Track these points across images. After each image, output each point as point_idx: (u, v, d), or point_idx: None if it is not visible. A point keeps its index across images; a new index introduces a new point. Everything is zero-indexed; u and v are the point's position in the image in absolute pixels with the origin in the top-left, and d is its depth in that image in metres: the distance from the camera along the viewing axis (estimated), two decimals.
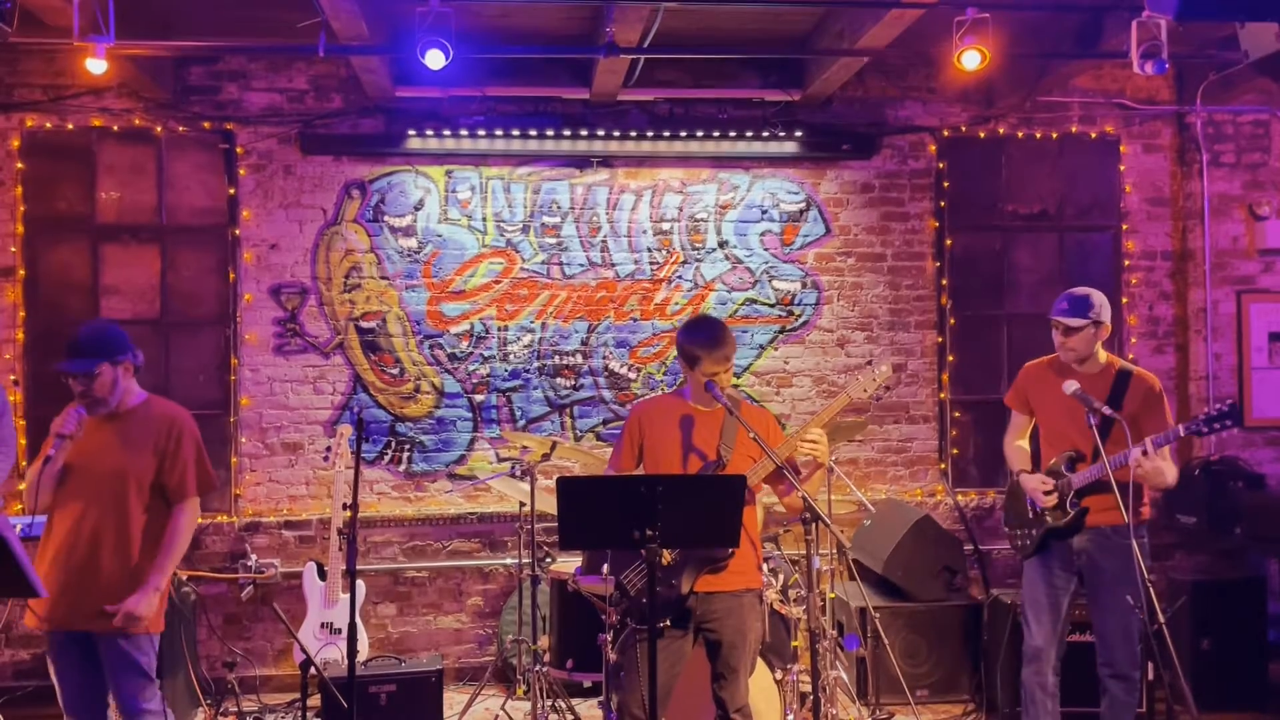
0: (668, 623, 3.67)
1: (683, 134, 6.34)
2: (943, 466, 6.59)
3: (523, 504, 5.21)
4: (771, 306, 6.49)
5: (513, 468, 5.44)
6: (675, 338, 3.97)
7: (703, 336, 3.83)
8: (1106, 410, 3.93)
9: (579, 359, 6.37)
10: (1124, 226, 6.71)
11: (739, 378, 6.41)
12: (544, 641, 5.25)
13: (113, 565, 3.68)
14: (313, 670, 4.17)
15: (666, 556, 3.67)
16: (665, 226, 6.43)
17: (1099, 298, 4.22)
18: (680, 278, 6.43)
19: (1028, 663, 4.35)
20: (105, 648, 3.69)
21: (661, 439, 3.85)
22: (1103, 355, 4.27)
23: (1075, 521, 4.19)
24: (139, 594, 3.65)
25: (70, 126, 6.10)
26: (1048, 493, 4.21)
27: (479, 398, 6.31)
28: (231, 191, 6.19)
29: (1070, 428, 4.23)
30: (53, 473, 3.67)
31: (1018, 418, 4.52)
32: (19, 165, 6.06)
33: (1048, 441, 4.38)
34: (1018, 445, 4.50)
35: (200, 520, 5.95)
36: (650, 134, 6.34)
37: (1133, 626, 4.19)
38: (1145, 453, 3.92)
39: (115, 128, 6.13)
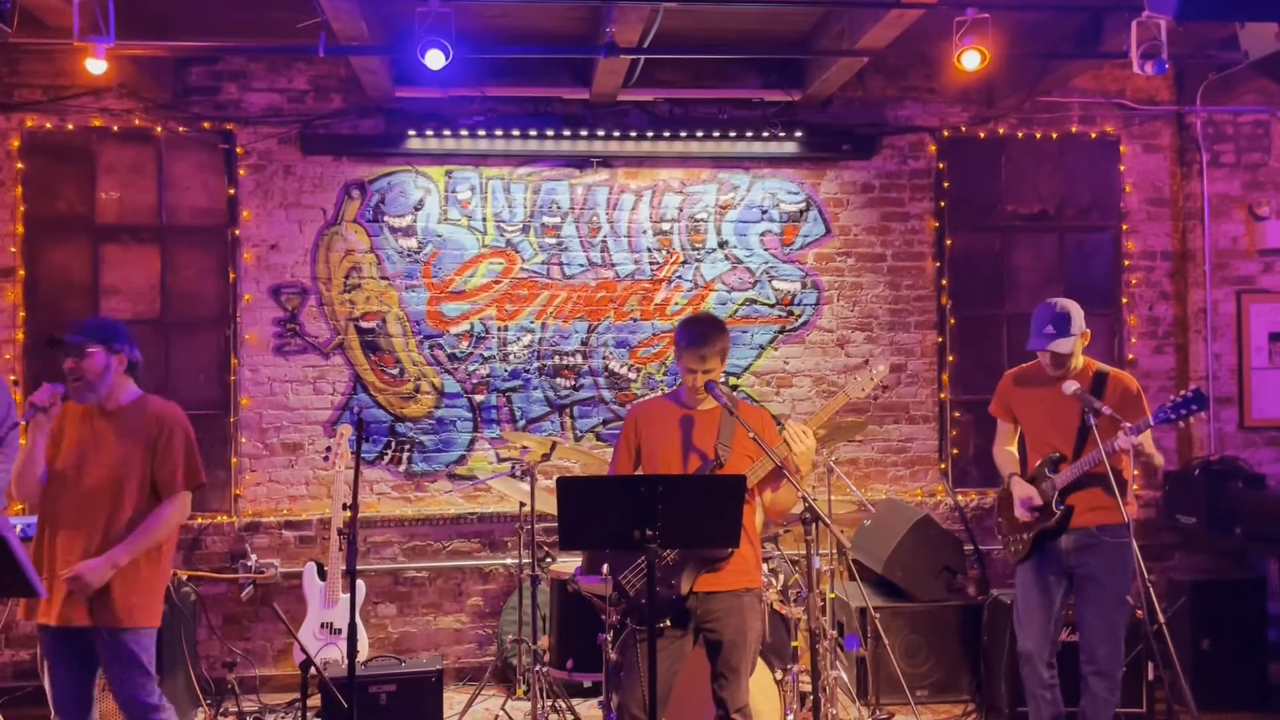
0: (668, 623, 3.67)
1: (683, 134, 6.34)
2: (943, 466, 6.59)
3: (523, 504, 5.21)
4: (771, 306, 6.49)
5: (513, 468, 5.44)
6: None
7: (686, 333, 3.84)
8: (1106, 410, 4.00)
9: (579, 359, 6.37)
10: (1124, 227, 6.72)
11: (739, 378, 6.41)
12: (544, 641, 5.25)
13: None
14: (313, 670, 4.17)
15: (667, 556, 3.67)
16: (665, 227, 6.43)
17: (1075, 309, 4.27)
18: (680, 278, 6.43)
19: (1022, 664, 4.44)
20: (103, 643, 3.68)
21: (659, 440, 3.85)
22: (1080, 359, 4.34)
23: (1062, 521, 4.26)
24: (94, 561, 3.60)
25: (70, 127, 6.10)
26: (1032, 508, 4.29)
27: (479, 398, 6.31)
28: (231, 192, 6.19)
29: (1051, 431, 4.35)
30: (33, 457, 3.63)
31: (1003, 425, 4.62)
32: (19, 165, 6.06)
33: (1031, 446, 4.48)
34: (1007, 451, 4.60)
35: (200, 520, 6.03)
36: (650, 134, 6.35)
37: (1118, 625, 4.29)
38: (1128, 438, 3.98)
39: (115, 128, 6.13)
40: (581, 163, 6.37)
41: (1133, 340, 6.69)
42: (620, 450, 3.93)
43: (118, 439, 3.73)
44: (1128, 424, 4.01)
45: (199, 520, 6.03)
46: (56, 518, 3.70)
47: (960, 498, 6.47)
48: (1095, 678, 4.30)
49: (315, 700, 4.85)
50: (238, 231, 6.19)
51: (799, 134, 6.43)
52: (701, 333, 3.80)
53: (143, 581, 3.72)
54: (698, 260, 6.44)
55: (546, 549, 5.50)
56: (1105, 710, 4.31)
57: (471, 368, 6.31)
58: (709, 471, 3.74)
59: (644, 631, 3.50)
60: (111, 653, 3.68)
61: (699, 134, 6.35)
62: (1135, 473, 4.24)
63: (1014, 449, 4.59)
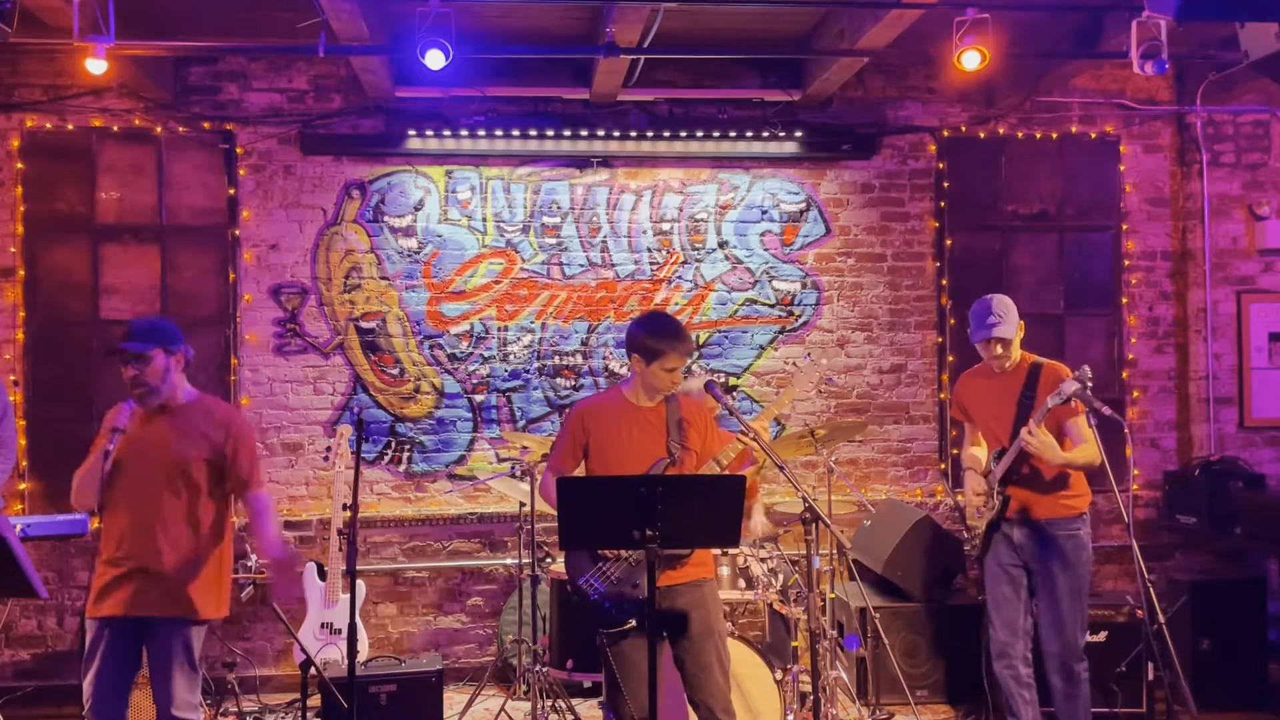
0: (632, 623, 3.68)
1: (683, 134, 6.34)
2: (943, 467, 6.58)
3: (523, 504, 5.21)
4: (771, 307, 6.49)
5: (513, 468, 5.45)
6: (628, 332, 3.91)
7: (667, 330, 3.83)
8: (1106, 410, 4.03)
9: (579, 359, 6.37)
10: (1124, 226, 6.71)
11: (739, 378, 6.42)
12: (544, 641, 5.25)
13: (174, 553, 3.71)
14: (313, 670, 4.17)
15: (629, 557, 3.68)
16: (665, 227, 6.43)
17: (1011, 303, 4.41)
18: (680, 278, 6.43)
19: (996, 658, 4.46)
20: (164, 635, 3.70)
21: (609, 438, 3.85)
22: (1018, 352, 4.47)
23: (1002, 510, 4.39)
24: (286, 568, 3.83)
25: (70, 127, 6.10)
26: (978, 493, 4.48)
27: (479, 398, 6.31)
28: (231, 192, 6.19)
29: (996, 426, 4.47)
30: (104, 471, 3.68)
31: (968, 428, 4.75)
32: (19, 165, 6.06)
33: (987, 445, 4.60)
34: (970, 452, 4.71)
35: None
36: (650, 134, 6.34)
37: (1071, 619, 4.32)
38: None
39: (115, 128, 6.13)
40: (581, 163, 6.37)
41: (1133, 340, 6.69)
42: (565, 445, 3.90)
43: (180, 435, 3.76)
44: (1077, 415, 4.16)
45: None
46: (118, 508, 3.74)
47: (960, 498, 6.46)
48: (1054, 674, 4.35)
49: (315, 700, 4.85)
50: (238, 231, 6.19)
51: (799, 134, 6.43)
52: (683, 327, 3.88)
53: (219, 577, 3.83)
54: (698, 260, 6.44)
55: (546, 549, 5.51)
56: (1072, 705, 4.33)
57: (471, 368, 6.31)
58: (663, 470, 3.78)
59: (609, 635, 3.66)
60: (168, 646, 3.70)
61: (699, 134, 6.35)
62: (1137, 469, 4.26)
63: (979, 451, 4.66)
